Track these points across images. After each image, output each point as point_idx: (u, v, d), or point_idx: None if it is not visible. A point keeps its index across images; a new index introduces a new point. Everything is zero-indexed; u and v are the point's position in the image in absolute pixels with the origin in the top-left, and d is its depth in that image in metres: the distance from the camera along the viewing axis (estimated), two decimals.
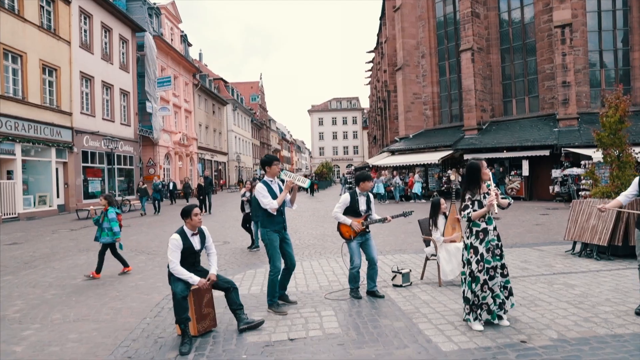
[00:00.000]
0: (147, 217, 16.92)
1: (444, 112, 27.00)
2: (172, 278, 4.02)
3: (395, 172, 23.03)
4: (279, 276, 4.72)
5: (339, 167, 75.68)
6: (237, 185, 45.24)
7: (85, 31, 21.17)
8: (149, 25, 28.05)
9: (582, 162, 16.95)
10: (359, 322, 4.29)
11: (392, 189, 22.28)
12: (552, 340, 3.64)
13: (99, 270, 6.64)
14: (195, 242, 4.22)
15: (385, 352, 3.54)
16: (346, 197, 5.19)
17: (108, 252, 6.80)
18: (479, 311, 3.96)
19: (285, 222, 4.83)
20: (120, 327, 4.39)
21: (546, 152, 18.70)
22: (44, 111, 17.84)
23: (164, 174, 29.61)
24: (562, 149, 18.08)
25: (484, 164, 4.12)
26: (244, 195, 9.38)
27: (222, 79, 49.31)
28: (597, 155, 8.73)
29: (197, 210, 4.22)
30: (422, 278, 5.91)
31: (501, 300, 4.00)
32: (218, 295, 4.45)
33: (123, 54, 24.99)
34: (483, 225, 4.02)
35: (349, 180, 33.03)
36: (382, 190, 21.88)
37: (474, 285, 3.97)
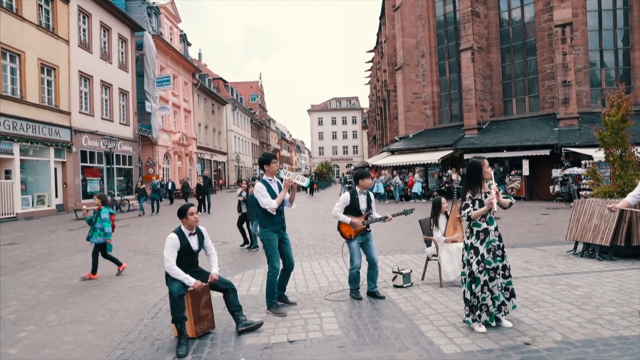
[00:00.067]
0: (146, 217, 16.87)
1: (443, 112, 26.94)
2: (169, 277, 3.97)
3: (395, 172, 22.96)
4: (278, 277, 4.65)
5: (338, 167, 75.61)
6: (236, 185, 45.16)
7: (84, 30, 21.08)
8: (148, 24, 27.98)
9: (583, 162, 16.90)
10: (360, 323, 4.22)
11: (392, 188, 22.23)
12: (556, 342, 3.57)
13: (94, 271, 6.57)
14: (193, 242, 4.16)
15: (387, 354, 3.48)
16: (346, 196, 5.11)
17: None
18: (478, 312, 3.89)
19: (284, 222, 4.77)
20: (117, 329, 4.33)
21: (546, 152, 18.65)
22: (43, 110, 17.76)
23: (163, 174, 29.52)
24: (563, 148, 18.03)
25: (486, 162, 4.03)
26: (240, 194, 9.31)
27: (221, 78, 49.27)
28: (598, 154, 8.67)
29: (193, 209, 4.15)
30: (423, 279, 5.86)
31: (500, 302, 3.93)
32: (216, 296, 4.39)
33: (122, 53, 24.90)
34: (484, 225, 3.95)
35: (348, 180, 32.96)
36: (382, 190, 21.81)
37: (473, 286, 3.90)
